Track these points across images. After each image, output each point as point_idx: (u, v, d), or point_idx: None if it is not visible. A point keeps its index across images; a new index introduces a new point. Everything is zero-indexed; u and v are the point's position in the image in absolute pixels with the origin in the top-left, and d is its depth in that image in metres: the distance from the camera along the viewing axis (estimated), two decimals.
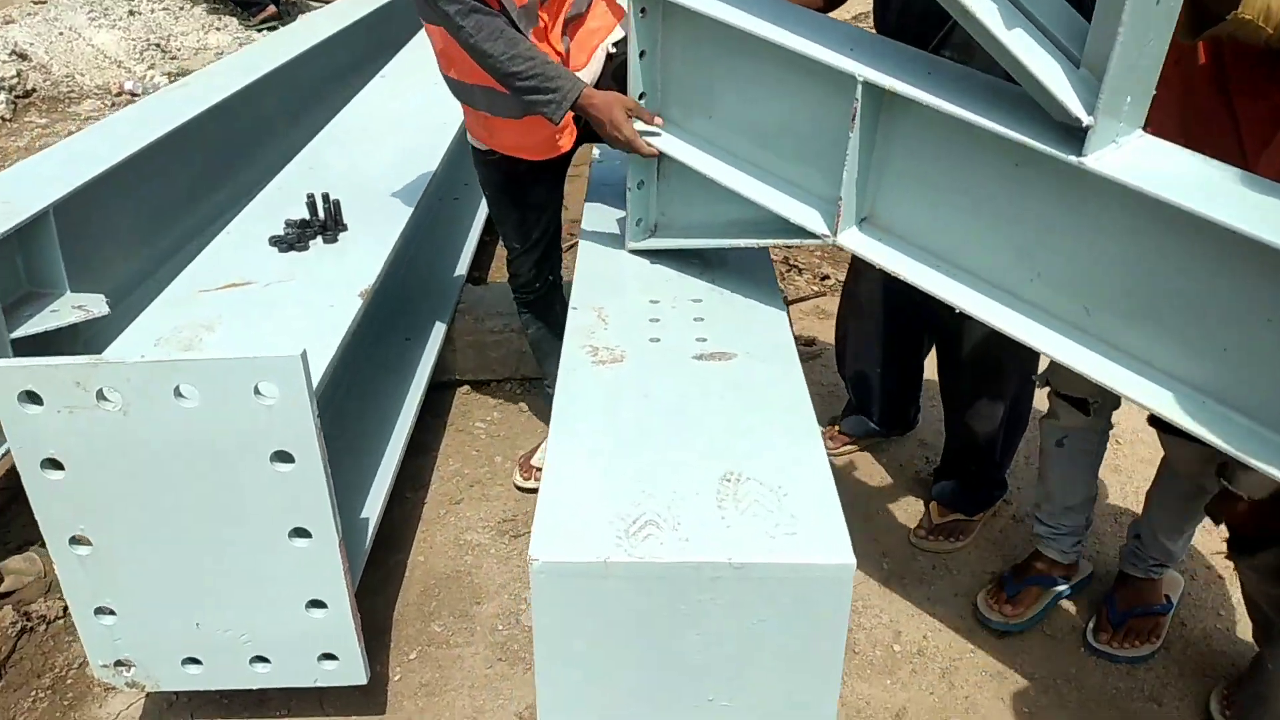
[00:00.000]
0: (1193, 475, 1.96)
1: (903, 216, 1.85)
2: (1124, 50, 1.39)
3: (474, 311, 3.08)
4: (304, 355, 1.65)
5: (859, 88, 1.70)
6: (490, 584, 2.39)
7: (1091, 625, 2.21)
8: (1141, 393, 1.58)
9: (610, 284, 2.16)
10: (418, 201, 2.63)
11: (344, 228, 2.44)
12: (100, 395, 1.65)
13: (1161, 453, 2.08)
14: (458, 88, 2.27)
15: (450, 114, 2.98)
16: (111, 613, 1.85)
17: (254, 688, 1.96)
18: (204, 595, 1.83)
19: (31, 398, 1.65)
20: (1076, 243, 1.62)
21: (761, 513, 1.48)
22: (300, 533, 1.78)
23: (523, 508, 2.61)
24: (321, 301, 2.11)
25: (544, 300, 2.60)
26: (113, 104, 5.63)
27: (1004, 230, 1.70)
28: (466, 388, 3.12)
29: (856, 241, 1.88)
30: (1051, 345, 1.67)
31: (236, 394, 1.66)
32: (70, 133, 4.90)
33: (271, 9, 6.78)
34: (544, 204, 2.46)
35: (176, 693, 2.07)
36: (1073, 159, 1.50)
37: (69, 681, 2.17)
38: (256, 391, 1.66)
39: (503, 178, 2.41)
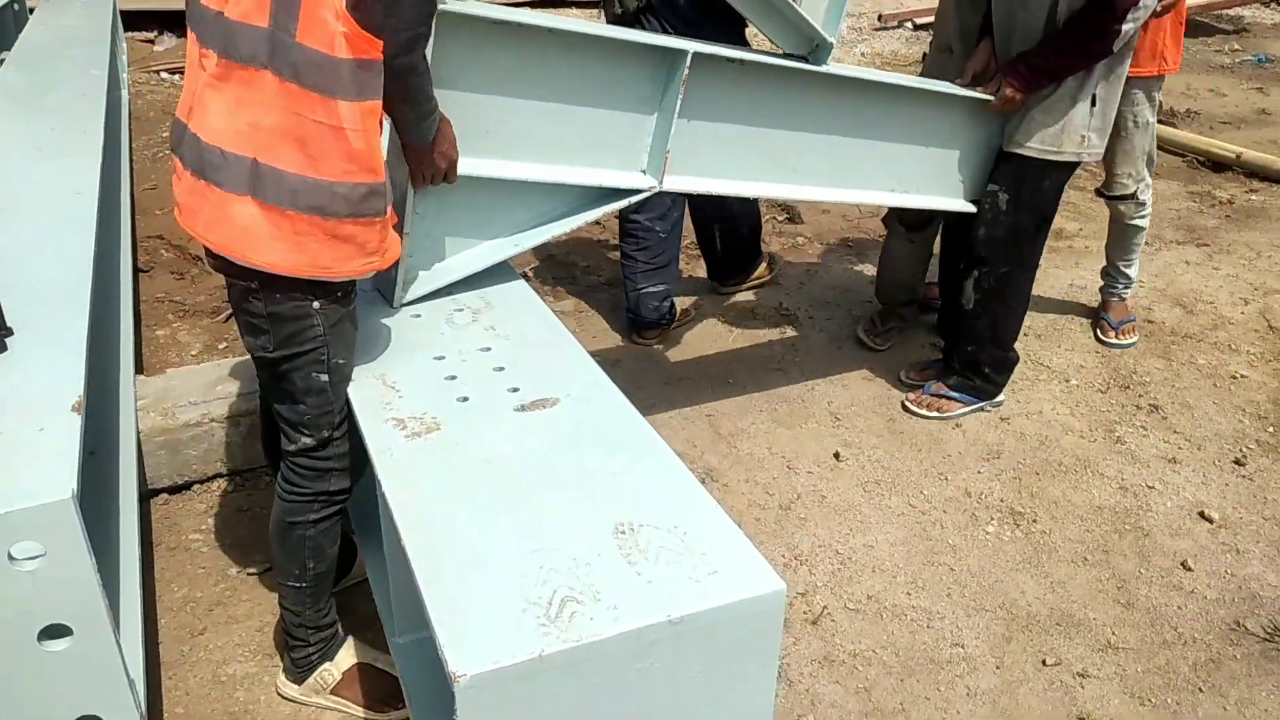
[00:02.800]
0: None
1: (706, 152, 2.32)
2: None
3: (159, 407, 2.63)
4: (74, 496, 1.29)
5: (689, 57, 2.12)
6: (277, 717, 2.05)
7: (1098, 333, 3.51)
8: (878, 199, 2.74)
9: (376, 348, 1.95)
10: (89, 288, 2.18)
11: (9, 331, 1.96)
12: None
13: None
14: (372, 190, 1.64)
15: (75, 178, 2.52)
16: None
17: None
18: None
19: None
20: (816, 127, 2.47)
21: (673, 558, 1.41)
22: None
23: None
24: (23, 428, 1.66)
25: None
26: None
27: (770, 136, 2.42)
28: (164, 497, 2.66)
29: (680, 183, 2.31)
30: (823, 195, 2.60)
31: None
32: None
33: None
34: None
35: None
36: (820, 69, 2.33)
37: None
38: (9, 557, 1.27)
39: (352, 319, 1.83)
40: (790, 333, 3.53)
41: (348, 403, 1.82)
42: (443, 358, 1.93)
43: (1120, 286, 3.52)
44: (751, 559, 1.41)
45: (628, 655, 1.30)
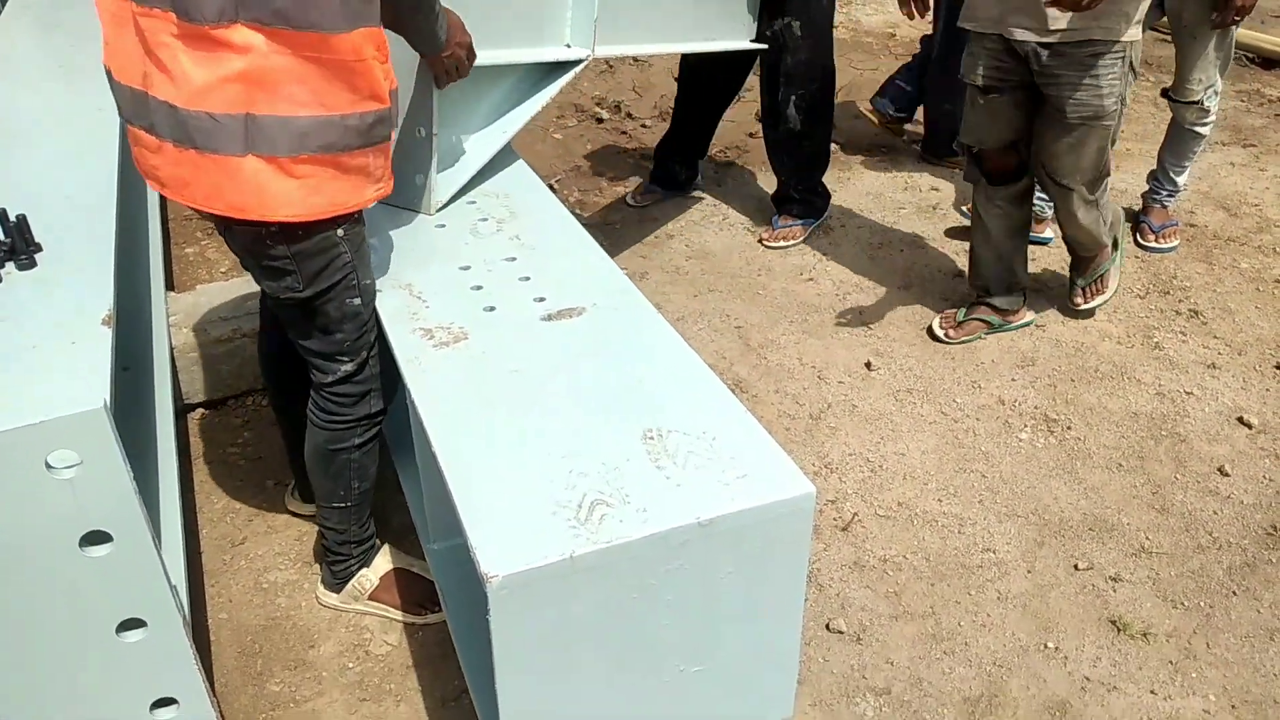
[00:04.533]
0: None
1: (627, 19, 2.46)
2: None
3: (192, 322, 2.64)
4: (106, 405, 1.30)
5: None
6: (318, 622, 2.10)
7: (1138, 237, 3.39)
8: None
9: (403, 259, 1.94)
10: (115, 204, 2.18)
11: (38, 248, 1.96)
12: None
13: None
14: (379, 118, 1.59)
15: (96, 95, 2.49)
16: None
17: None
18: None
19: None
20: None
21: (702, 463, 1.41)
22: (133, 624, 1.43)
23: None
24: (56, 339, 1.67)
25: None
26: None
27: None
28: (199, 412, 2.69)
29: (609, 50, 2.42)
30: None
31: (19, 474, 1.28)
32: None
33: None
34: None
35: None
36: None
37: None
38: (47, 465, 1.29)
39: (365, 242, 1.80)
40: (821, 241, 3.47)
41: (376, 320, 1.81)
42: (468, 268, 1.91)
43: (1165, 193, 3.41)
44: (781, 463, 1.40)
45: (657, 557, 1.31)
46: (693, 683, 1.45)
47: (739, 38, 3.03)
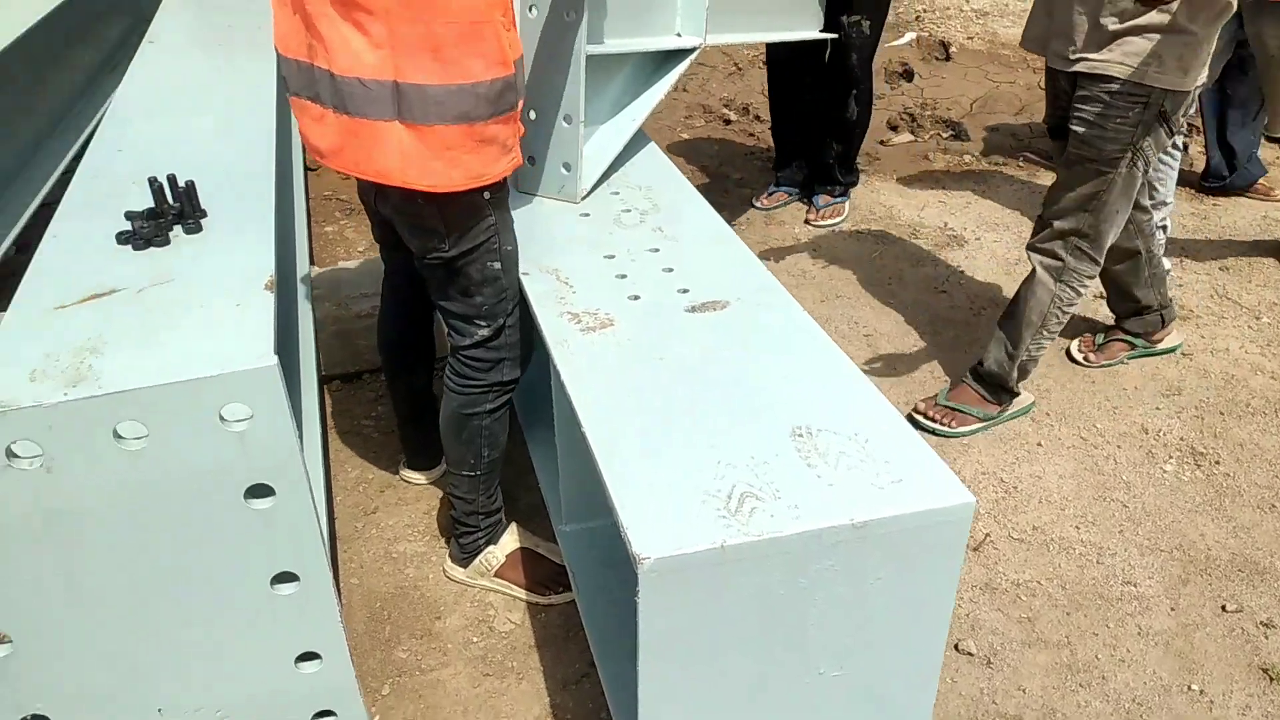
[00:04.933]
0: None
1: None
2: None
3: (333, 297, 2.73)
4: (279, 364, 1.34)
5: None
6: (444, 595, 2.14)
7: None
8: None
9: (549, 245, 1.96)
10: (273, 175, 2.26)
11: (204, 213, 2.05)
12: (10, 453, 1.26)
13: None
14: (506, 84, 1.60)
15: (253, 72, 2.60)
16: None
17: None
18: (165, 674, 1.48)
19: None
20: None
21: (854, 464, 1.38)
22: (286, 577, 1.48)
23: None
24: (223, 302, 1.74)
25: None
26: None
27: None
28: (336, 384, 2.78)
29: (719, 39, 2.39)
30: None
31: (195, 424, 1.33)
32: None
33: None
34: None
35: None
36: None
37: None
38: (220, 418, 1.34)
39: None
40: (955, 254, 3.39)
41: (521, 292, 1.84)
42: (613, 256, 1.92)
43: None
44: (938, 470, 1.36)
45: (808, 555, 1.28)
46: (830, 689, 1.42)
47: (812, 28, 3.04)
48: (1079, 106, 2.24)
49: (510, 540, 2.12)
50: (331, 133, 1.66)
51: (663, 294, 1.79)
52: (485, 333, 1.83)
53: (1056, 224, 2.36)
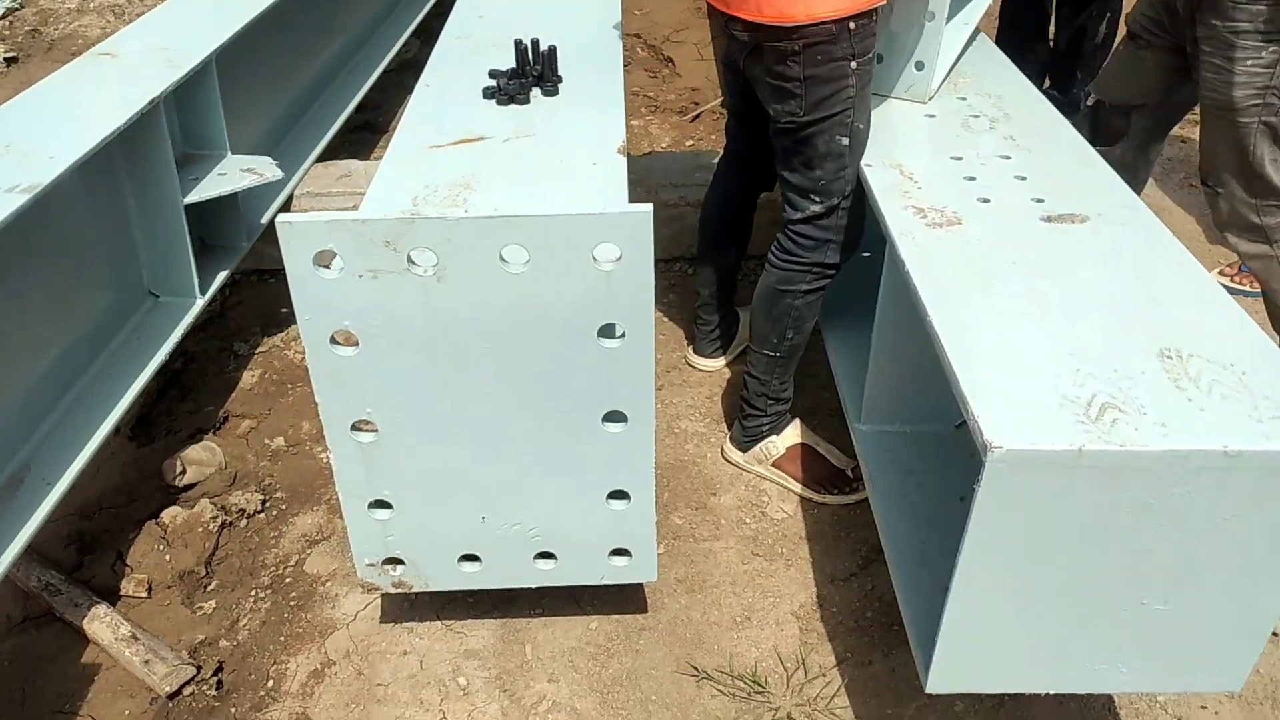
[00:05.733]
0: None
1: None
2: None
3: (645, 184, 2.81)
4: (652, 213, 1.41)
5: None
6: (721, 475, 2.21)
7: None
8: None
9: (893, 141, 1.93)
10: (620, 49, 2.34)
11: (560, 79, 2.15)
12: (410, 260, 1.40)
13: None
14: None
15: None
16: (388, 506, 1.64)
17: (533, 586, 1.77)
18: (495, 486, 1.62)
19: (327, 260, 1.40)
20: None
21: (1229, 393, 1.29)
22: (615, 417, 1.57)
23: (730, 393, 2.41)
24: (580, 160, 1.84)
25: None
26: None
27: None
28: None
29: None
30: None
31: (571, 258, 1.42)
32: None
33: None
34: None
35: (418, 592, 1.88)
36: None
37: (288, 580, 1.98)
38: (593, 258, 1.42)
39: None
40: None
41: (863, 183, 1.83)
42: (960, 158, 1.87)
43: None
44: None
45: (1170, 476, 1.22)
46: (1147, 623, 1.36)
47: None
48: (1203, 47, 2.05)
49: (793, 434, 2.15)
50: None
51: (1015, 200, 1.73)
52: (818, 209, 1.85)
53: (1231, 190, 2.13)
